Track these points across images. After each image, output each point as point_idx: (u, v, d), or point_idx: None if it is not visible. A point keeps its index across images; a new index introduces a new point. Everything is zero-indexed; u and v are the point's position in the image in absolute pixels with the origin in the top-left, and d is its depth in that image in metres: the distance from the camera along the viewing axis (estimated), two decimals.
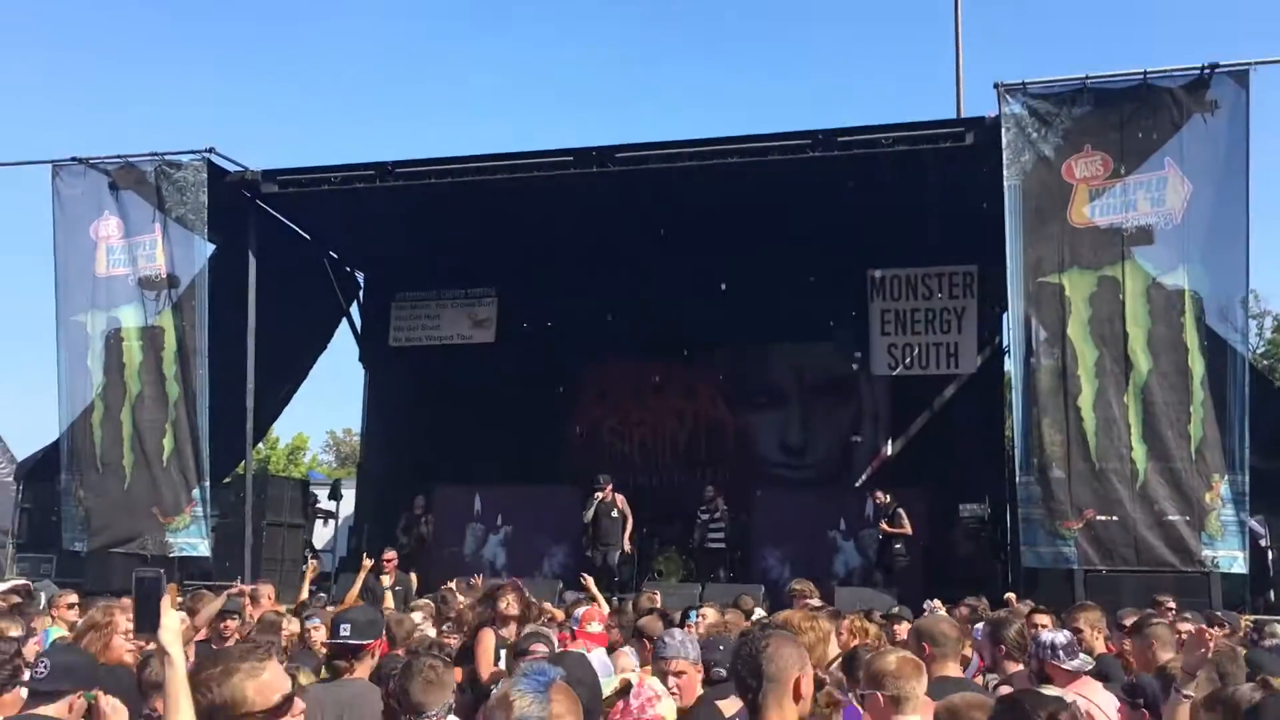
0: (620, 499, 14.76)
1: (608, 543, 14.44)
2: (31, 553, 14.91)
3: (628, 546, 14.63)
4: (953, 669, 4.74)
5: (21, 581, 8.13)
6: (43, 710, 3.72)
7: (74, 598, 8.44)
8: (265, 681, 2.56)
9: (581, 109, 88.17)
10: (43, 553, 14.72)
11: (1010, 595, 9.99)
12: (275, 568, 14.73)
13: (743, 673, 2.86)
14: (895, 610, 8.33)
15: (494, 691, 2.37)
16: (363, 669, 4.52)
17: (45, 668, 3.80)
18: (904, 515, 14.15)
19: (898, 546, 14.17)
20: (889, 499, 14.39)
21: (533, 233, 16.09)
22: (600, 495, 14.60)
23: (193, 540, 13.87)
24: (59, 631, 7.04)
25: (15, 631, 5.39)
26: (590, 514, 14.63)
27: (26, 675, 3.94)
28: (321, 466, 46.65)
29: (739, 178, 13.50)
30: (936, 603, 9.21)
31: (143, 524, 13.93)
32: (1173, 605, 8.76)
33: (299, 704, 2.63)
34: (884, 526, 14.23)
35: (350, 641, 4.51)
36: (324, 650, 5.76)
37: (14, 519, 15.57)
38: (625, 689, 3.21)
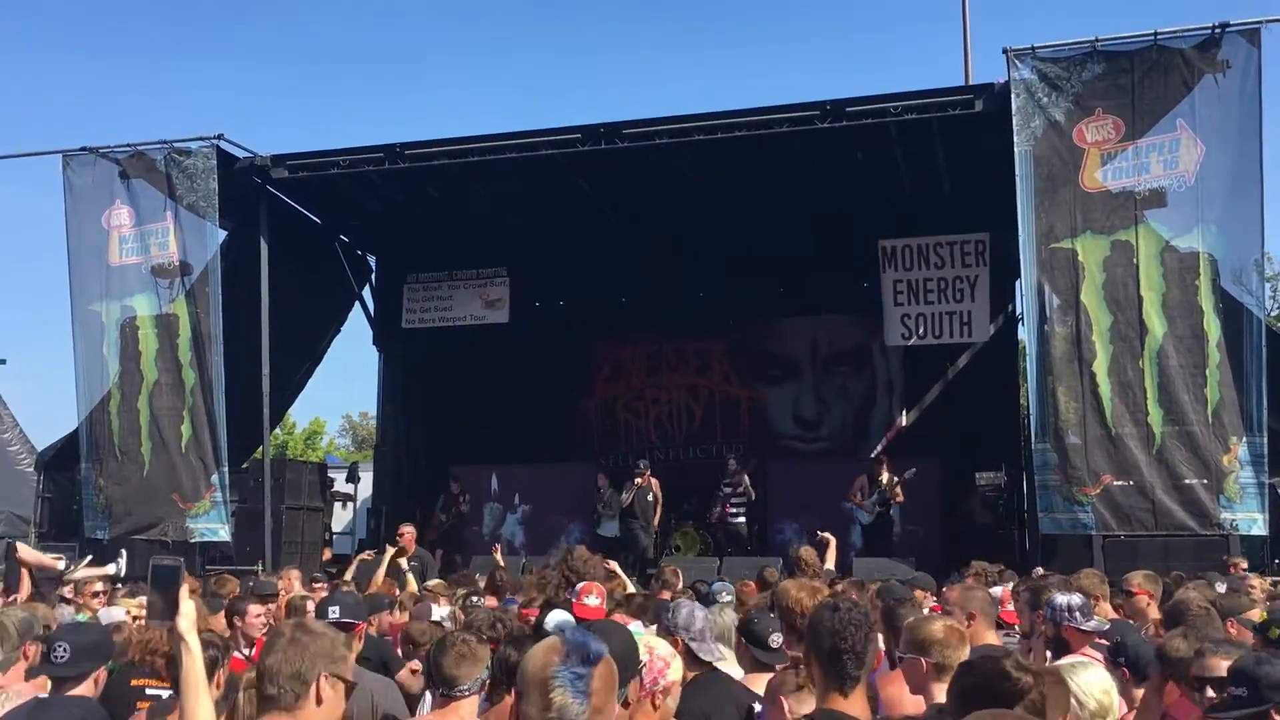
0: (655, 483, 15.00)
1: (644, 526, 14.68)
2: (54, 542, 15.02)
3: (655, 529, 14.90)
4: (991, 637, 4.76)
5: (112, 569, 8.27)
6: (72, 692, 3.75)
7: (100, 585, 8.51)
8: None
9: (588, 87, 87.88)
10: (65, 541, 14.80)
11: (1039, 569, 10.00)
12: (295, 551, 14.83)
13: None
14: (914, 577, 8.33)
15: (531, 660, 2.23)
16: (353, 648, 4.61)
17: (65, 650, 3.80)
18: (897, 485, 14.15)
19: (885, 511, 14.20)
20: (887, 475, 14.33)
21: (543, 211, 16.10)
22: (639, 481, 14.83)
23: (213, 525, 13.97)
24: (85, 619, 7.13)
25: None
26: (629, 498, 14.83)
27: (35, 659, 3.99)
28: (338, 450, 46.86)
29: (748, 151, 13.46)
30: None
31: (163, 510, 14.04)
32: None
33: None
34: (898, 494, 14.16)
35: (342, 621, 4.67)
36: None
37: (35, 508, 15.70)
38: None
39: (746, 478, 15.26)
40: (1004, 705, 2.45)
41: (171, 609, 2.73)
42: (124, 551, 10.07)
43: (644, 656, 3.08)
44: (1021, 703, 2.49)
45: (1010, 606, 6.14)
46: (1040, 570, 9.83)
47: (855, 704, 3.04)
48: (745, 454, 16.85)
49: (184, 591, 2.76)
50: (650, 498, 14.83)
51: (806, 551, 8.83)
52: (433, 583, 9.12)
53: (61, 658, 3.80)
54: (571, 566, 6.47)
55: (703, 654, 4.25)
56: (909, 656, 3.77)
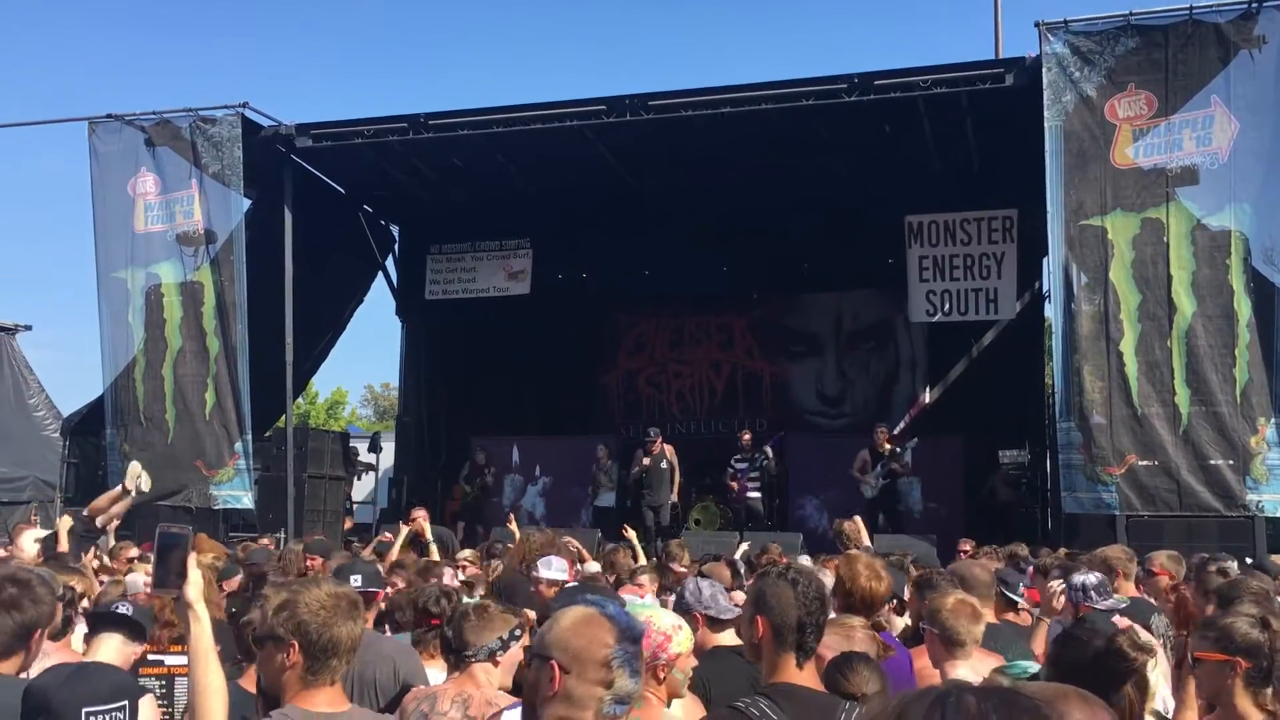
0: (669, 449, 14.84)
1: (659, 498, 14.55)
2: (79, 507, 15.17)
3: (674, 498, 14.75)
4: (987, 613, 4.74)
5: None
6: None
7: (134, 550, 8.58)
8: None
9: (614, 58, 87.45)
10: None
11: (1061, 550, 9.93)
12: (317, 519, 14.92)
13: None
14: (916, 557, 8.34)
15: (574, 635, 2.25)
16: (370, 615, 4.74)
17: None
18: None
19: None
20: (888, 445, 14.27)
21: (567, 183, 16.05)
22: (653, 449, 14.69)
23: (236, 492, 14.08)
24: None
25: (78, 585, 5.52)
26: (639, 471, 14.76)
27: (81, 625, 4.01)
28: (360, 420, 47.15)
29: (774, 124, 13.35)
30: (968, 545, 9.18)
31: (187, 477, 14.15)
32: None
33: None
34: (896, 467, 14.10)
35: (364, 590, 4.73)
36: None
37: (61, 474, 15.85)
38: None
39: (768, 449, 15.21)
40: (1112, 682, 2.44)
41: (179, 577, 2.71)
42: (134, 467, 9.96)
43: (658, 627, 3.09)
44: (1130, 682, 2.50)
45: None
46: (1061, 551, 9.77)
47: (809, 676, 3.04)
48: (766, 428, 16.84)
49: (191, 559, 2.74)
50: (664, 465, 14.66)
51: (850, 525, 8.79)
52: (466, 552, 9.13)
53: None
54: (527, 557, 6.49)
55: (720, 615, 4.26)
56: (925, 628, 3.86)
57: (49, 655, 3.92)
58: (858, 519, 9.23)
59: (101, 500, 8.62)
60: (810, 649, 3.04)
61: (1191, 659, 3.24)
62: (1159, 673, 4.15)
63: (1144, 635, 3.40)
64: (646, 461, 14.69)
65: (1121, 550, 6.13)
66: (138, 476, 9.04)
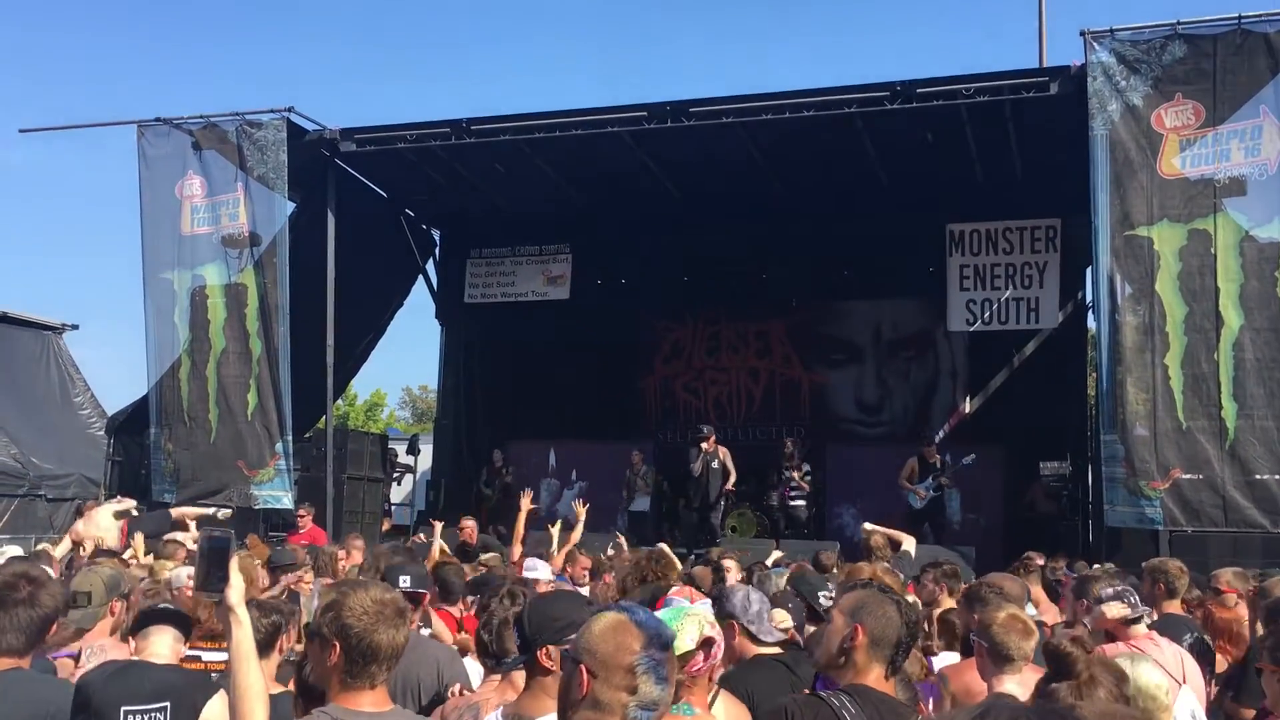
0: (723, 451, 14.36)
1: (711, 500, 14.08)
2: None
3: (726, 493, 14.28)
4: None
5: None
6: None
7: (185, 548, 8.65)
8: None
9: (654, 66, 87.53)
10: None
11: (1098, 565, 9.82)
12: (356, 520, 15.05)
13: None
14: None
15: (601, 641, 2.26)
16: (415, 617, 4.70)
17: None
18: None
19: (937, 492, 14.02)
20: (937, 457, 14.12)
21: (607, 189, 16.10)
22: (705, 447, 14.15)
23: (277, 493, 14.20)
24: None
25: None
26: (698, 467, 14.13)
27: None
28: (399, 423, 47.46)
29: (815, 132, 13.31)
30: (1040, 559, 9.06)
31: (229, 476, 14.29)
32: None
33: None
34: (944, 480, 14.00)
35: (412, 591, 4.75)
36: None
37: (105, 471, 16.08)
38: (707, 642, 3.20)
39: (806, 466, 15.15)
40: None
41: (221, 581, 2.74)
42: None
43: (710, 633, 3.11)
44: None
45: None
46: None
47: (890, 688, 3.23)
48: (805, 436, 16.78)
49: (233, 564, 2.77)
50: (716, 465, 14.09)
51: (877, 538, 8.71)
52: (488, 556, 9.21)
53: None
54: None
55: (762, 635, 4.26)
56: (975, 641, 3.94)
57: (106, 650, 3.98)
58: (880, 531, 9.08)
59: (191, 509, 8.69)
60: (899, 667, 3.26)
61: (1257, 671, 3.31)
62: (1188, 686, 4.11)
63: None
64: (698, 463, 14.14)
65: (1176, 565, 6.02)
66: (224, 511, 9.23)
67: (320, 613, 2.78)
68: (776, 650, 4.27)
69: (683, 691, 3.15)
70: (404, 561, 5.71)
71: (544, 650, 3.02)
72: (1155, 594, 5.69)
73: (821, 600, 4.87)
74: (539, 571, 6.86)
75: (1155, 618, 5.30)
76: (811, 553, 9.75)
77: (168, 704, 3.46)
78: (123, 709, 3.37)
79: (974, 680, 4.04)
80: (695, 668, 3.14)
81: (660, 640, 2.26)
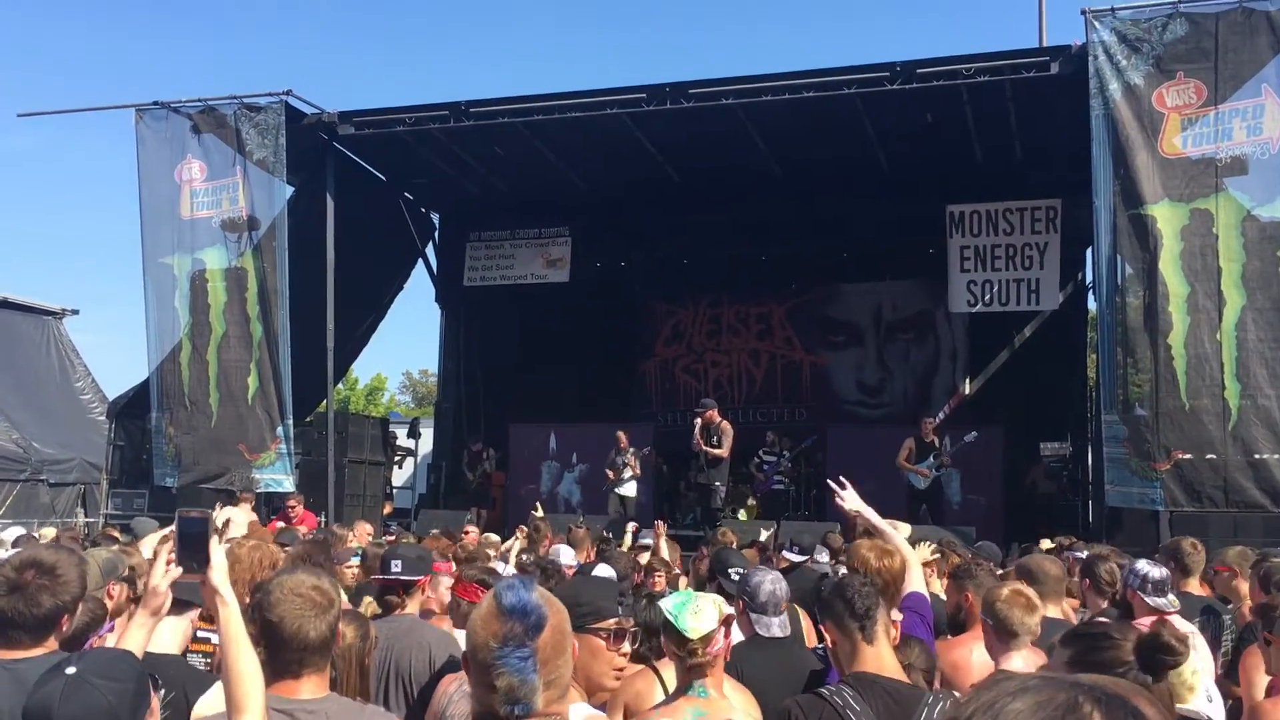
0: (726, 424, 13.66)
1: (712, 477, 13.51)
2: (124, 489, 15.42)
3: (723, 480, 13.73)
4: (1053, 609, 4.69)
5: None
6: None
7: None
8: None
9: (654, 47, 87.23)
10: (135, 489, 15.22)
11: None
12: (357, 504, 15.05)
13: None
14: (978, 546, 8.26)
15: (473, 632, 2.06)
16: (413, 604, 4.54)
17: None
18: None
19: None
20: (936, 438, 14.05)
21: (606, 171, 16.06)
22: (709, 416, 13.55)
23: (278, 476, 14.21)
24: None
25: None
26: (697, 437, 13.52)
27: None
28: (399, 407, 47.46)
29: (815, 112, 13.27)
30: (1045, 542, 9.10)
31: (230, 460, 14.30)
32: None
33: None
34: (944, 460, 13.95)
35: (402, 577, 4.52)
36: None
37: (107, 456, 16.10)
38: (728, 620, 3.20)
39: (787, 453, 15.24)
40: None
41: (201, 562, 2.69)
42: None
43: (728, 609, 3.15)
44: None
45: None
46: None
47: (898, 668, 3.24)
48: (806, 418, 16.80)
49: (213, 543, 2.72)
50: (715, 440, 13.47)
51: (862, 519, 8.69)
52: (490, 536, 9.23)
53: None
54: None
55: (759, 628, 4.22)
56: (982, 618, 3.99)
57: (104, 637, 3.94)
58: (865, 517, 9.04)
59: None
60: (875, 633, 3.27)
61: (1264, 641, 3.41)
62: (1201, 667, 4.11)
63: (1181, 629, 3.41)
64: (696, 430, 13.55)
65: (1190, 542, 6.01)
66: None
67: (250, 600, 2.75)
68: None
69: (705, 671, 3.15)
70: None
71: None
72: (1172, 576, 5.68)
73: (732, 575, 4.93)
74: (564, 557, 7.02)
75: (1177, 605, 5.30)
76: (810, 534, 9.73)
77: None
78: None
79: (961, 657, 4.05)
80: (715, 646, 3.15)
81: (522, 625, 2.00)
